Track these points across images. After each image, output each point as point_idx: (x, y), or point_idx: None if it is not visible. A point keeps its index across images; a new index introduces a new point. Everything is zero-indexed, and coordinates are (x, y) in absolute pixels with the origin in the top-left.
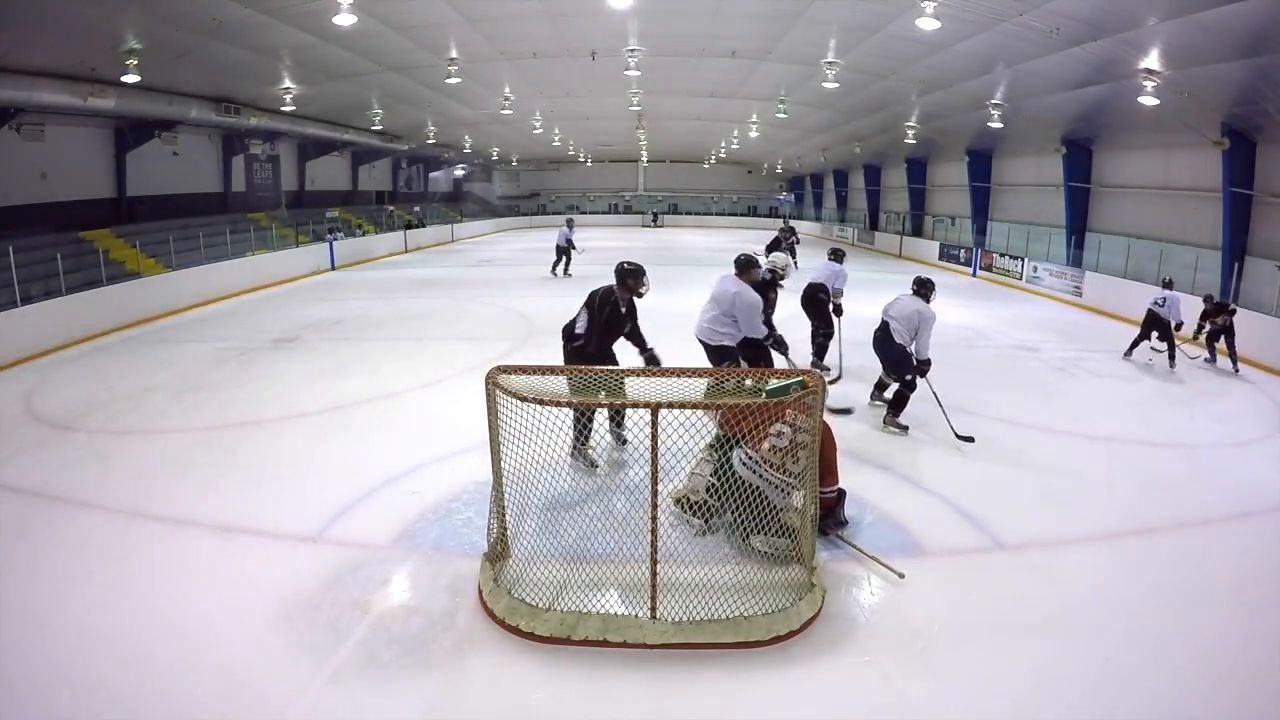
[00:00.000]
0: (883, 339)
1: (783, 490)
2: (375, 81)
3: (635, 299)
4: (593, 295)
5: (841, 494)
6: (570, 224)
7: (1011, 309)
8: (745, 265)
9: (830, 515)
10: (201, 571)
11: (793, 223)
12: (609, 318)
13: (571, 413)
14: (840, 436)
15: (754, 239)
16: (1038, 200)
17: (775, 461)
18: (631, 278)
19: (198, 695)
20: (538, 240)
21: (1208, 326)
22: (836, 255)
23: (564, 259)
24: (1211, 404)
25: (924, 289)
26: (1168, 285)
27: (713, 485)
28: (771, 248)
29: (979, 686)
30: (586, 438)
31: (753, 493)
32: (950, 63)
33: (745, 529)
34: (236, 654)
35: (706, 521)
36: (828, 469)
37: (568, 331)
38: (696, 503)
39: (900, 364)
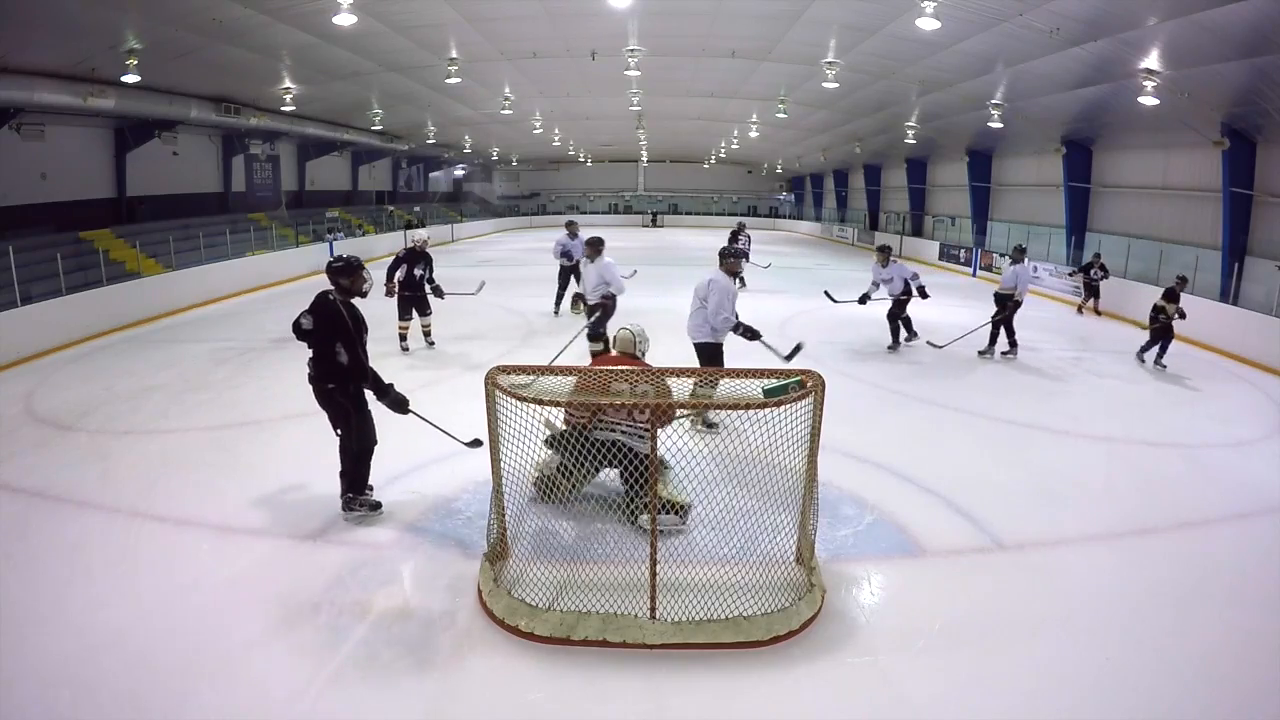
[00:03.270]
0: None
1: (639, 436)
2: (375, 81)
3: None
4: (322, 314)
5: None
6: (572, 228)
7: None
8: (724, 255)
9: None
10: (201, 571)
11: (743, 219)
12: (359, 323)
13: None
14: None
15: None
16: (1038, 200)
17: (623, 414)
18: (346, 275)
19: (198, 695)
20: (537, 240)
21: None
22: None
23: (564, 288)
24: (1211, 404)
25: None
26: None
27: (564, 465)
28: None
29: (979, 686)
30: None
31: (614, 448)
32: (950, 63)
33: (633, 509)
34: (236, 654)
35: (554, 494)
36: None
37: (333, 372)
38: (545, 478)
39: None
